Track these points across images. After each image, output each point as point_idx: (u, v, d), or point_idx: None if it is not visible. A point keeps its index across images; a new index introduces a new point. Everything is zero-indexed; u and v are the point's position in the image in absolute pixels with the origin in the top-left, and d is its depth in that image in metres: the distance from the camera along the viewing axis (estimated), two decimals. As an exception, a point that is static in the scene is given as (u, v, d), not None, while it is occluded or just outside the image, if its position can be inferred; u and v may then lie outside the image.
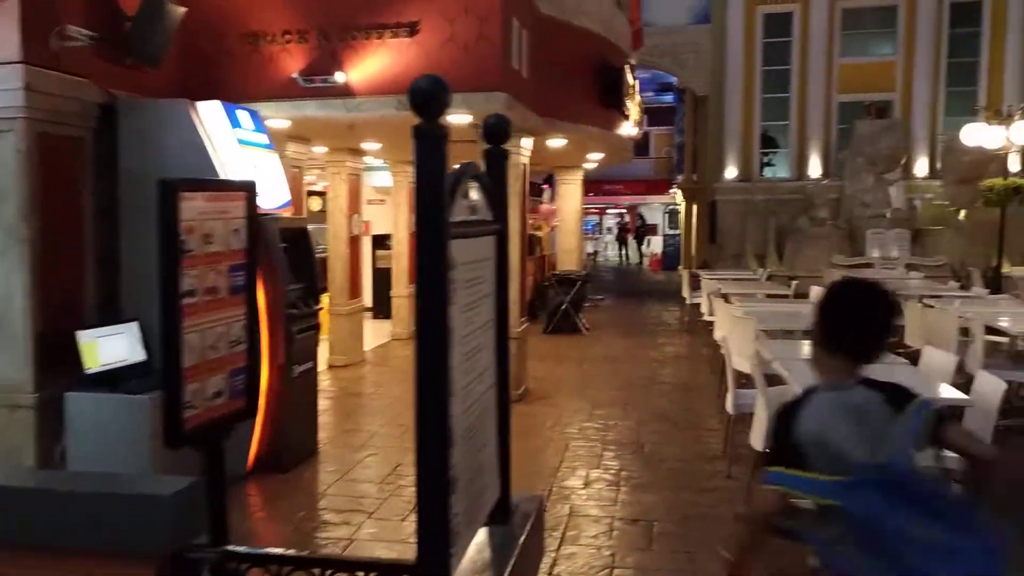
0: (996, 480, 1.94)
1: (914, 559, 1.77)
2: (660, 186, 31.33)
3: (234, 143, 5.22)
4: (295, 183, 7.28)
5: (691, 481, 5.39)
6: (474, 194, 1.93)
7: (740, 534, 2.25)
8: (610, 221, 36.28)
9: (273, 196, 5.49)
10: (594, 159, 11.77)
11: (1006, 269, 13.29)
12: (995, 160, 14.37)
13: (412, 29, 6.06)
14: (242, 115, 5.43)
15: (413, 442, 1.62)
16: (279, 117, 6.55)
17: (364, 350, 9.58)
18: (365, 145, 8.73)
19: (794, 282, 11.14)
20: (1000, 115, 13.22)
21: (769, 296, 9.78)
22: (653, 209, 34.21)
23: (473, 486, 1.91)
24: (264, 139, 5.65)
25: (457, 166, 1.84)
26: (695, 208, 23.63)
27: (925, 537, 1.77)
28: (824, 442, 1.96)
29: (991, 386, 4.25)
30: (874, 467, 1.87)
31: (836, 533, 1.87)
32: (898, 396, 1.99)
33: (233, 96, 5.78)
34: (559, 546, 4.36)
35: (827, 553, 1.96)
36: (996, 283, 12.29)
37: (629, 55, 10.45)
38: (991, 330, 6.66)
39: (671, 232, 31.01)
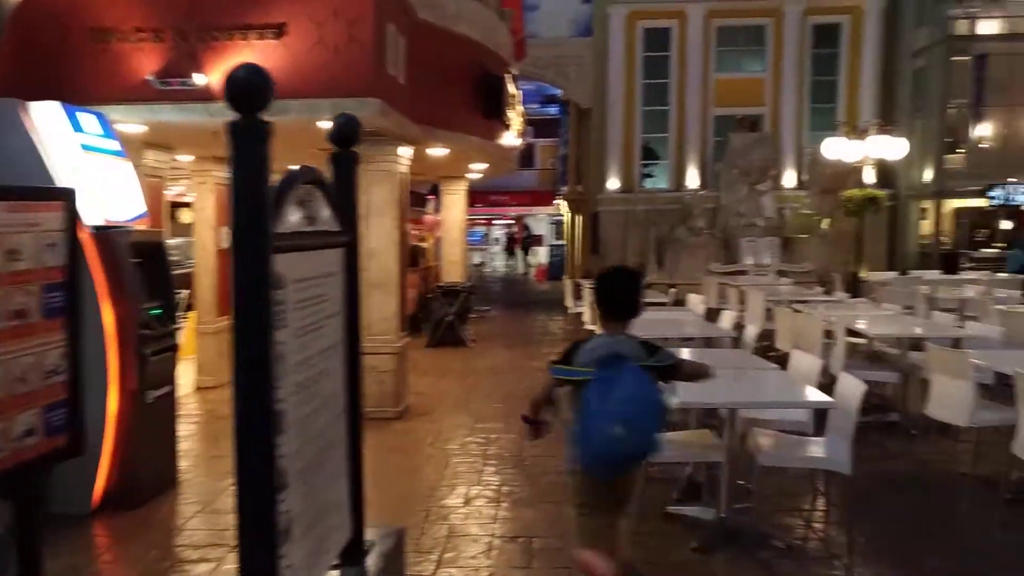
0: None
1: (607, 408, 2.89)
2: (545, 197, 31.76)
3: (75, 149, 4.76)
4: (154, 193, 6.78)
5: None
6: (315, 203, 1.75)
7: (534, 398, 3.49)
8: (498, 232, 36.44)
9: (124, 207, 5.05)
10: (477, 169, 11.68)
11: (863, 274, 14.18)
12: (854, 172, 15.34)
13: (279, 31, 5.74)
14: (86, 119, 4.96)
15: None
16: (132, 122, 6.05)
17: (236, 369, 9.06)
18: (234, 153, 8.27)
19: (672, 290, 11.42)
20: (857, 130, 14.14)
21: (649, 304, 9.95)
22: (539, 220, 34.63)
23: (316, 528, 1.71)
24: (114, 145, 5.19)
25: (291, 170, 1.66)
26: (579, 219, 24.04)
27: (616, 404, 2.90)
28: (592, 359, 3.06)
29: (852, 387, 4.41)
30: (610, 366, 3.00)
31: (580, 399, 3.04)
32: (650, 346, 3.13)
33: (78, 98, 5.29)
34: (435, 570, 4.19)
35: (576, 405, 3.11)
36: (855, 288, 13.07)
37: (511, 65, 10.44)
38: (851, 332, 7.00)
39: (556, 243, 31.45)
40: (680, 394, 4.06)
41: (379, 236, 7.11)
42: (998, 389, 5.58)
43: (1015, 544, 4.43)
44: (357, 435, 2.00)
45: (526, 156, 31.72)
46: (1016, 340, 7.10)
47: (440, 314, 11.78)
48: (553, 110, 30.71)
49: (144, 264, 5.10)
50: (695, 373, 3.31)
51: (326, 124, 6.17)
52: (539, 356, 11.05)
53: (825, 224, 17.99)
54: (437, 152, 8.71)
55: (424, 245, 15.08)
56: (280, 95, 5.23)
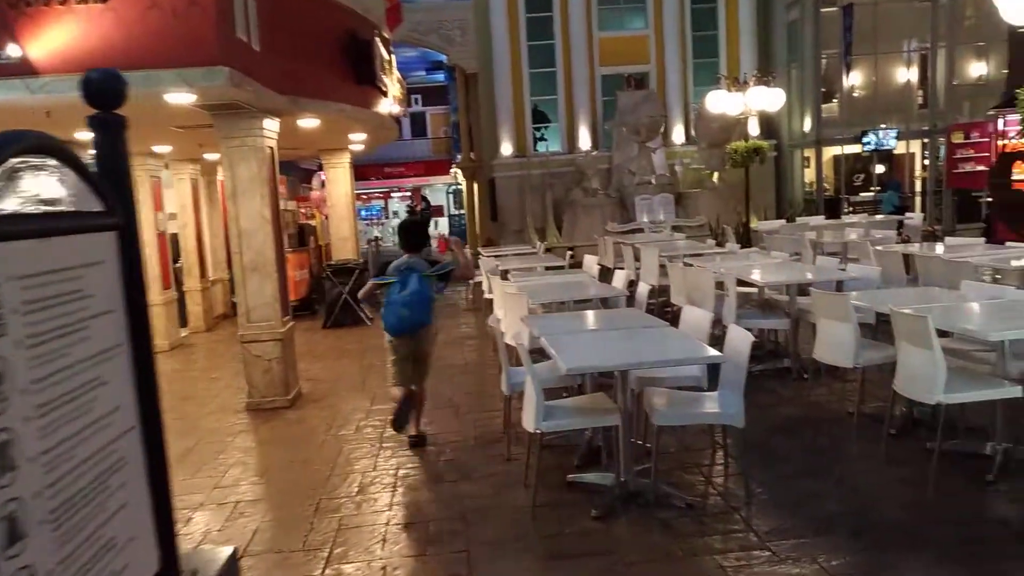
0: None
1: (400, 298, 5.31)
2: (442, 166, 31.25)
3: None
4: None
5: (470, 470, 5.15)
6: (52, 177, 1.41)
7: (365, 294, 6.09)
8: (396, 205, 35.68)
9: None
10: (358, 140, 11.17)
11: (753, 224, 14.50)
12: (739, 125, 15.60)
13: (102, -6, 5.13)
14: None
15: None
16: (-63, 102, 5.34)
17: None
18: (80, 135, 7.53)
19: (569, 252, 11.33)
20: (738, 83, 14.34)
21: (549, 269, 9.80)
22: (437, 190, 34.08)
23: (93, 573, 1.40)
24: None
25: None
26: (476, 187, 23.72)
27: (405, 296, 5.31)
28: (394, 269, 5.44)
29: (741, 339, 4.37)
30: (404, 273, 5.40)
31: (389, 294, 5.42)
32: (432, 262, 5.60)
33: None
34: (324, 568, 3.92)
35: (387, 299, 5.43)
36: (746, 238, 13.35)
37: (381, 28, 9.94)
38: (743, 282, 7.04)
39: (456, 212, 31.05)
40: (568, 362, 3.97)
41: (249, 216, 6.63)
42: (880, 327, 5.70)
43: (900, 478, 4.51)
44: (158, 451, 1.68)
45: (418, 125, 31.08)
46: (893, 279, 7.32)
47: (334, 294, 11.34)
48: (440, 77, 30.06)
49: None
50: (464, 276, 6.07)
51: (177, 98, 5.67)
52: (441, 328, 10.78)
53: (714, 178, 18.33)
54: (308, 123, 8.20)
55: (313, 223, 14.48)
56: (113, 68, 4.61)
